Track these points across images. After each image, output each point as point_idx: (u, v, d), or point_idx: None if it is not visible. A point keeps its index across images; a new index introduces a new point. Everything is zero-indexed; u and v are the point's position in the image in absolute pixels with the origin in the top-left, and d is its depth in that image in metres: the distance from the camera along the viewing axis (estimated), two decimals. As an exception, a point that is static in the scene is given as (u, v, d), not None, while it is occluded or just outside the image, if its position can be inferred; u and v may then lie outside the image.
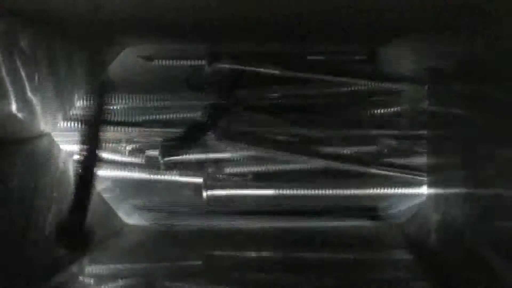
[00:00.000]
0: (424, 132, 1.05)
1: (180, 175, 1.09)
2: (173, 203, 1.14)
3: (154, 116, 1.10)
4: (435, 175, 1.01)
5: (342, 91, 1.09)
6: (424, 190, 1.04)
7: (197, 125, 1.09)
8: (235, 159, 1.09)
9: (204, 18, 0.80)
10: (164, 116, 1.10)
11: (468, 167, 0.82)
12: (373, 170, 1.06)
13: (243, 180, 1.08)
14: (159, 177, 1.10)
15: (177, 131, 1.09)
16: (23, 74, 0.77)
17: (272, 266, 0.91)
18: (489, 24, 0.71)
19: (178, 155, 1.08)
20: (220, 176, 1.09)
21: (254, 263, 0.93)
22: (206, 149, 1.09)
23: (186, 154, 1.09)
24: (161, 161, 1.08)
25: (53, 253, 0.83)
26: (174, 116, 1.10)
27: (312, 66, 1.10)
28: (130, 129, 1.08)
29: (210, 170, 1.09)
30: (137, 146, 1.10)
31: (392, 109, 1.09)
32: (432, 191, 1.02)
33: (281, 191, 1.08)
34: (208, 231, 1.09)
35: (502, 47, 0.68)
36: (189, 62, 1.09)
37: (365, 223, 1.09)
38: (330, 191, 1.07)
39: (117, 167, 1.09)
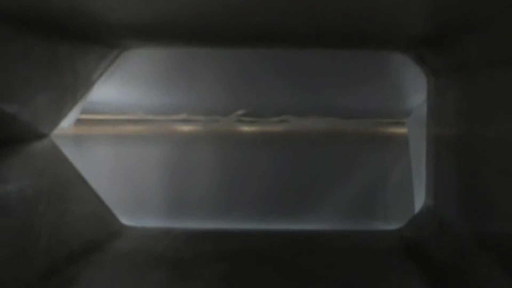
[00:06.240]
0: None
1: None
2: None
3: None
4: (433, 182, 1.01)
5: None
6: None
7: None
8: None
9: (206, 23, 0.80)
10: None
11: (465, 174, 0.82)
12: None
13: None
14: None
15: None
16: (24, 75, 0.77)
17: (273, 273, 0.90)
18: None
19: None
20: None
21: (254, 267, 0.92)
22: None
23: None
24: None
25: (49, 257, 0.83)
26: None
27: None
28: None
29: None
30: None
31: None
32: (430, 197, 1.02)
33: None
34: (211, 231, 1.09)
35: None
36: None
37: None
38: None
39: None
